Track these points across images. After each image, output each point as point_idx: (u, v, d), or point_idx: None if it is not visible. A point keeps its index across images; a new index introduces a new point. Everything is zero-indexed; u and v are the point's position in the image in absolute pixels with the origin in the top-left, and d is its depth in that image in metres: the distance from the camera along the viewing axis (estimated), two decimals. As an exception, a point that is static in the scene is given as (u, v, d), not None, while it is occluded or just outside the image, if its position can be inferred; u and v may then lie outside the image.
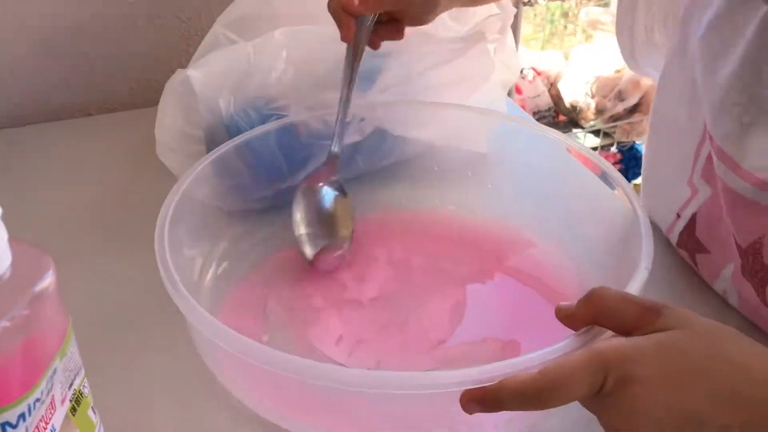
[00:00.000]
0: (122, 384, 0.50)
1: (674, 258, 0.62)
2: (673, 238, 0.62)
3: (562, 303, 0.40)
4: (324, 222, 0.59)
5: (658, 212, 0.64)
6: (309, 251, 0.58)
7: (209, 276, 0.56)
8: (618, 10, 0.67)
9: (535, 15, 2.25)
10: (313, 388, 0.40)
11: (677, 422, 0.33)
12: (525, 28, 2.28)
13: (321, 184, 0.59)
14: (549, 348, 0.37)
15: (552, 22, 2.26)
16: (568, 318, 0.39)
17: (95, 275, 0.61)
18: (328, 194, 0.59)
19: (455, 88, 0.68)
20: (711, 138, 0.53)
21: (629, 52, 0.68)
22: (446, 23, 0.70)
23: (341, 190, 0.60)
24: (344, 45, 0.58)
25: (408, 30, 0.63)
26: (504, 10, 0.69)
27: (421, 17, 0.61)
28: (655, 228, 0.64)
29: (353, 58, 0.58)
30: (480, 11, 0.72)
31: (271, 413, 0.45)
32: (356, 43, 0.58)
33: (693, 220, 0.59)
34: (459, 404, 0.36)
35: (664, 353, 0.34)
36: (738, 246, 0.53)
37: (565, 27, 2.27)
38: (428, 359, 0.50)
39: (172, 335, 0.50)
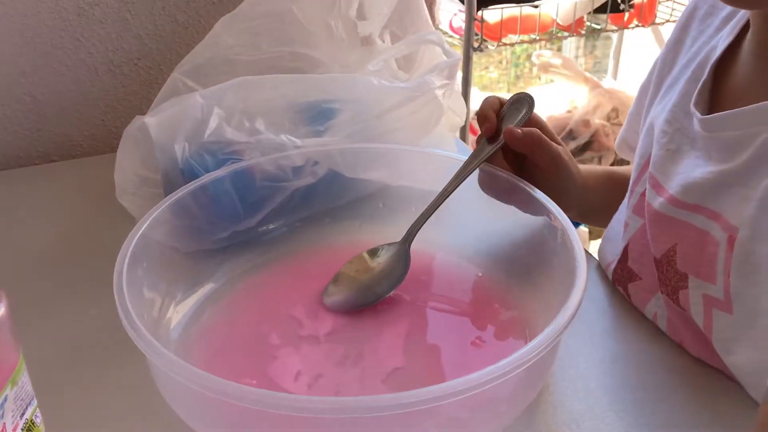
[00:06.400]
0: (80, 418, 0.51)
1: (613, 294, 0.66)
2: (610, 274, 0.66)
3: None
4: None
5: (607, 254, 0.68)
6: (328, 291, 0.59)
7: (168, 315, 0.57)
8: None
9: (501, 61, 2.32)
10: (274, 418, 0.41)
11: None
12: (491, 72, 2.35)
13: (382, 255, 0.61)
14: (489, 368, 0.39)
15: (517, 65, 2.33)
16: None
17: (56, 315, 0.63)
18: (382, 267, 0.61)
19: (408, 131, 0.71)
20: (650, 169, 0.60)
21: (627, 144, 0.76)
22: (395, 72, 0.74)
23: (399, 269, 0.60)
24: (296, 93, 0.61)
25: (361, 79, 0.66)
26: (451, 57, 0.73)
27: (552, 192, 0.60)
28: (603, 272, 0.69)
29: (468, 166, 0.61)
30: (426, 59, 0.76)
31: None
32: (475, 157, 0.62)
33: (626, 251, 0.63)
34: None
35: None
36: (654, 259, 0.58)
37: (531, 70, 2.34)
38: (385, 387, 0.52)
39: (129, 373, 0.51)
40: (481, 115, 0.64)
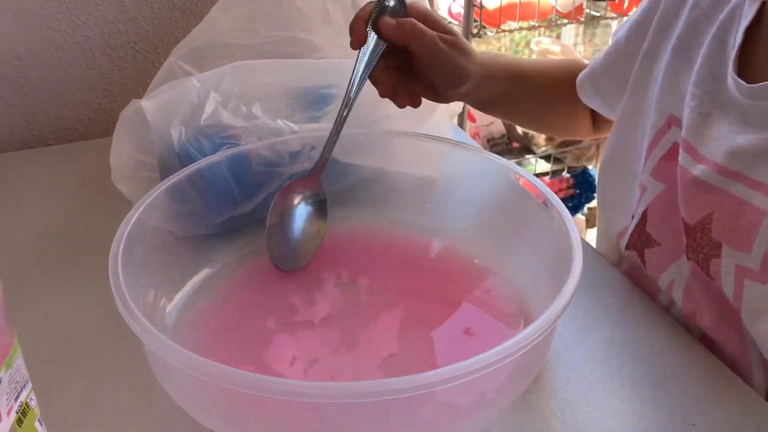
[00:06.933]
0: (75, 401, 0.52)
1: (609, 281, 0.66)
2: (624, 242, 0.65)
3: None
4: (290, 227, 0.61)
5: (615, 222, 0.68)
6: (270, 253, 0.60)
7: (163, 300, 0.57)
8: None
9: (500, 47, 2.32)
10: (269, 403, 0.41)
11: None
12: (490, 59, 2.34)
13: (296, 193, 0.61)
14: (483, 354, 0.39)
15: (516, 52, 2.32)
16: None
17: (50, 299, 0.63)
18: (300, 204, 0.62)
19: (405, 117, 0.71)
20: (683, 132, 0.59)
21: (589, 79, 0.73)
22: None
23: (317, 198, 0.62)
24: (293, 78, 0.60)
25: None
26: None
27: (443, 86, 0.61)
28: (599, 258, 0.69)
29: (359, 75, 0.59)
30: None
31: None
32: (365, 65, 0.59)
33: (644, 216, 0.63)
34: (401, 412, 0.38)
35: None
36: (686, 225, 0.57)
37: (529, 57, 2.33)
38: (380, 373, 0.52)
39: (125, 357, 0.51)
40: (350, 25, 0.60)
